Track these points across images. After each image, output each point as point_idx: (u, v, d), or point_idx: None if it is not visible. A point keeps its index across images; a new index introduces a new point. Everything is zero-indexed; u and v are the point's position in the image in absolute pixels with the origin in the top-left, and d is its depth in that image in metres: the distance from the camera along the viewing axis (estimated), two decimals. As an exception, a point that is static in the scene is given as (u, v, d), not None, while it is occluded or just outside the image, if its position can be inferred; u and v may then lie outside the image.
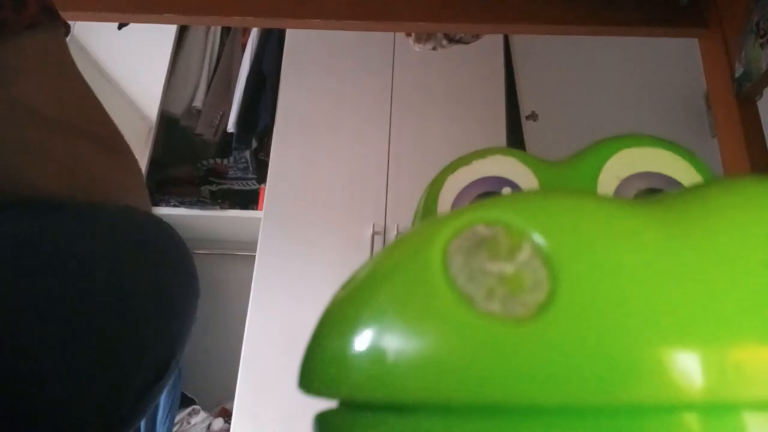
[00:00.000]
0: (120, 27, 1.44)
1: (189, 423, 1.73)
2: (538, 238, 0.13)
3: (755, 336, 0.11)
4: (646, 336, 0.12)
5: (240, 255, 1.93)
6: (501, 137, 1.67)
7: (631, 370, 0.11)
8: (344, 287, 0.17)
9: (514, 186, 0.22)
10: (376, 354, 0.14)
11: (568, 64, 1.79)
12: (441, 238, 0.14)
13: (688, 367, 0.11)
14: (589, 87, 1.77)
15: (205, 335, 1.82)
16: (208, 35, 2.05)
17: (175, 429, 1.70)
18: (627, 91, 1.77)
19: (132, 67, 1.92)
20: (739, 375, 0.11)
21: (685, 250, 0.13)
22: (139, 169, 0.40)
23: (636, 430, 0.12)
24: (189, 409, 1.76)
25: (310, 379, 0.16)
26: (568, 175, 0.22)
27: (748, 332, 0.11)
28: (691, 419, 0.12)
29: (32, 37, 0.38)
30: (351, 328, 0.15)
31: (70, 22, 0.42)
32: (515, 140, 1.70)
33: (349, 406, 0.15)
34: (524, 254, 0.13)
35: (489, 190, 0.23)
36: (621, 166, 0.22)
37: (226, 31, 2.07)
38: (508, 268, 0.13)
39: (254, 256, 1.59)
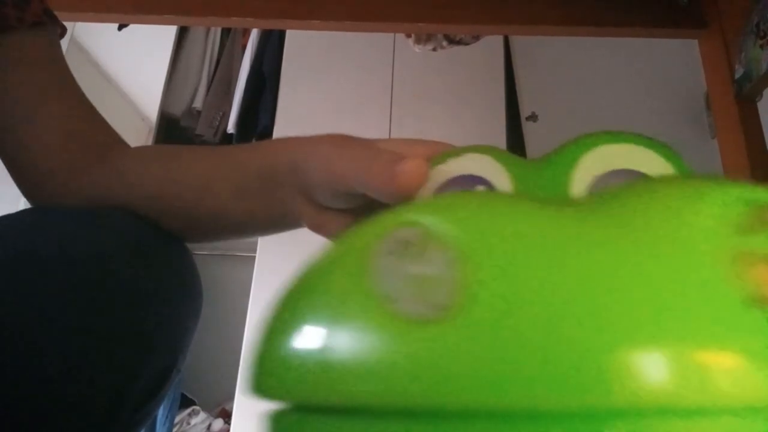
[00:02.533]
0: (120, 27, 1.44)
1: (189, 424, 1.73)
2: (456, 240, 0.13)
3: (655, 339, 0.11)
4: (550, 339, 0.11)
5: (240, 255, 1.93)
6: (501, 138, 1.67)
7: (532, 373, 0.11)
8: (285, 290, 0.17)
9: (488, 185, 0.22)
10: (303, 358, 0.14)
11: (568, 64, 1.79)
12: (368, 241, 0.14)
13: (584, 371, 0.11)
14: (589, 87, 1.77)
15: (205, 335, 1.81)
16: (208, 36, 2.05)
17: (175, 430, 1.70)
18: (627, 91, 1.77)
19: (132, 67, 1.92)
20: (620, 379, 0.11)
21: (596, 253, 0.12)
22: None
23: None
24: (189, 410, 1.76)
25: (253, 382, 0.16)
26: (542, 172, 0.22)
27: (644, 335, 0.11)
28: (584, 425, 0.11)
29: (35, 36, 0.38)
30: (282, 331, 0.15)
31: (70, 22, 0.42)
32: (515, 141, 1.70)
33: (292, 407, 0.16)
34: (439, 255, 0.13)
35: (463, 188, 0.23)
36: (595, 163, 0.21)
37: (226, 31, 2.07)
38: (426, 270, 0.13)
39: (254, 256, 1.59)
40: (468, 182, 0.23)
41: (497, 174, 0.22)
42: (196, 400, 1.79)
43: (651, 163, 0.21)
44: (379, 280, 0.13)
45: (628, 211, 0.13)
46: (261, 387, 0.16)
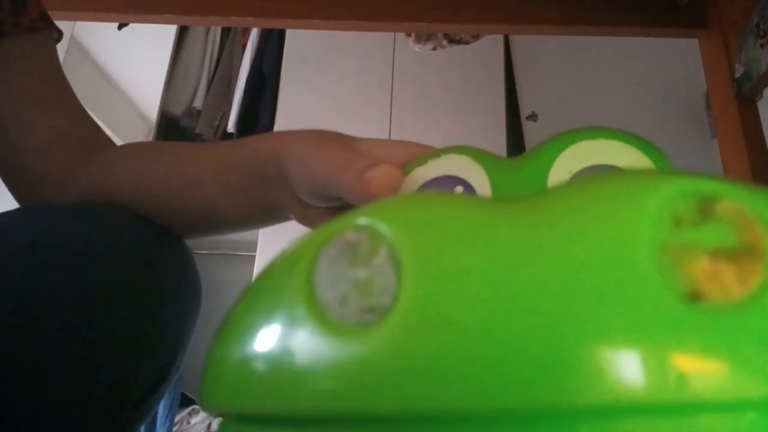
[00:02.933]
0: (120, 27, 1.44)
1: (189, 423, 1.74)
2: (394, 242, 0.13)
3: (582, 337, 0.11)
4: (479, 341, 0.11)
5: (240, 255, 1.93)
6: (501, 137, 1.67)
7: (450, 377, 0.11)
8: (239, 295, 0.17)
9: (467, 185, 0.22)
10: (245, 366, 0.14)
11: (568, 64, 1.79)
12: (313, 245, 0.14)
13: (515, 370, 0.11)
14: (589, 87, 1.77)
15: (205, 335, 1.81)
16: (208, 35, 2.05)
17: (175, 429, 1.70)
18: (627, 91, 1.77)
19: (132, 67, 1.92)
20: (557, 379, 0.11)
21: (528, 252, 0.12)
22: None
23: None
24: (189, 409, 1.76)
25: (199, 392, 0.16)
26: (519, 171, 0.22)
27: (574, 332, 0.11)
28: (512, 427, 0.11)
29: (31, 41, 0.38)
30: (222, 341, 0.15)
31: (70, 22, 0.42)
32: (515, 140, 1.70)
33: (233, 416, 0.15)
34: (380, 258, 0.13)
35: (442, 190, 0.22)
36: (573, 159, 0.21)
37: (226, 31, 2.07)
38: (363, 273, 0.13)
39: (254, 256, 1.59)
40: (448, 183, 0.23)
41: (475, 174, 0.22)
42: (196, 399, 1.79)
43: (630, 158, 0.20)
44: (318, 285, 0.13)
45: (569, 207, 0.13)
46: (202, 396, 0.16)
